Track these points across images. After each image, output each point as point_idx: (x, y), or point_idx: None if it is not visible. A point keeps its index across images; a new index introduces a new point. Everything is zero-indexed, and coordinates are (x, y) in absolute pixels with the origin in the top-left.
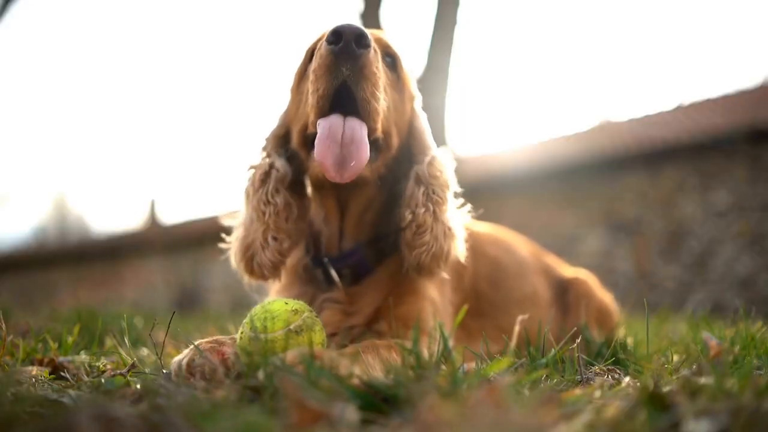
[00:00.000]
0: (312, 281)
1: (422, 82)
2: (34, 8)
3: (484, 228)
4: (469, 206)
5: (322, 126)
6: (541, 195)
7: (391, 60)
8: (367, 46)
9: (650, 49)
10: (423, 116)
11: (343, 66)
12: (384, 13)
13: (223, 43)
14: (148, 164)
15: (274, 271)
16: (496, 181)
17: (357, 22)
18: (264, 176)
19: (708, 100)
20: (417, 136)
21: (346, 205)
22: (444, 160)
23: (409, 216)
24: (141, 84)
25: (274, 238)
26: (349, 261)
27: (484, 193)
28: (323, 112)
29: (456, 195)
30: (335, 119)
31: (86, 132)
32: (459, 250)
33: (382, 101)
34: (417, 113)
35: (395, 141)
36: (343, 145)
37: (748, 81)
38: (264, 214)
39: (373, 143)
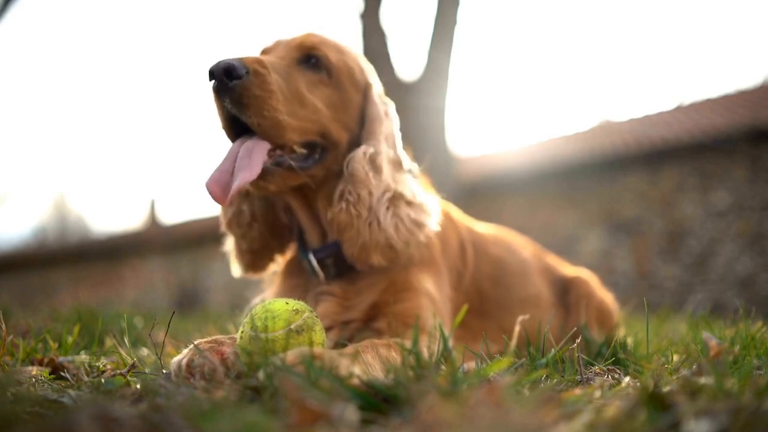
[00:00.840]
0: (306, 274)
1: (422, 83)
2: (34, 8)
3: (487, 228)
4: (429, 191)
5: (222, 156)
6: (541, 195)
7: (316, 60)
8: (238, 77)
9: (650, 49)
10: (379, 104)
11: (224, 100)
12: (384, 13)
13: (224, 43)
14: (148, 164)
15: (252, 268)
16: (496, 181)
17: (357, 23)
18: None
19: (708, 100)
20: (367, 126)
21: (314, 202)
22: (371, 152)
23: (330, 216)
24: (141, 84)
25: (238, 244)
26: (330, 252)
27: (484, 193)
28: (232, 140)
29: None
30: (233, 146)
31: (86, 132)
32: (404, 240)
33: (285, 115)
34: (370, 100)
35: (341, 135)
36: (222, 171)
37: (749, 81)
38: (224, 224)
39: (309, 146)
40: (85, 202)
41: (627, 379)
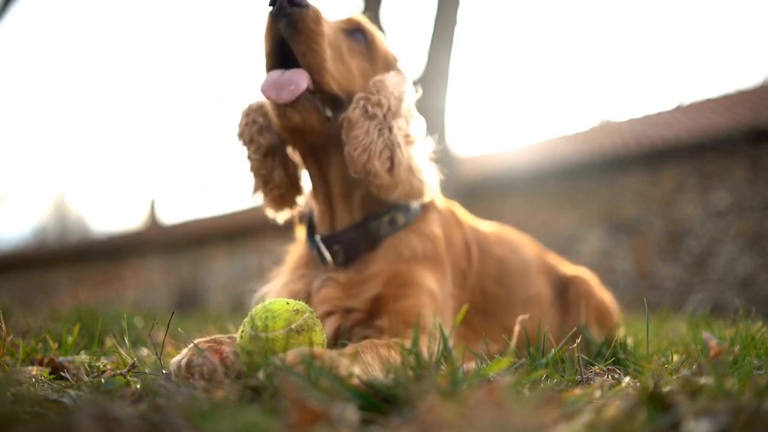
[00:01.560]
0: (313, 263)
1: (422, 83)
2: (34, 8)
3: (490, 227)
4: (428, 137)
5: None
6: (541, 195)
7: (361, 35)
8: (299, 5)
9: (650, 49)
10: (410, 95)
11: (279, 23)
12: (385, 13)
13: (224, 42)
14: (148, 164)
15: (281, 204)
16: (496, 181)
17: None
18: (251, 138)
19: (708, 100)
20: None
21: (327, 170)
22: (399, 87)
23: (342, 116)
24: (141, 83)
25: (264, 181)
26: (340, 240)
27: (484, 193)
28: (270, 69)
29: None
30: (274, 71)
31: (86, 132)
32: (404, 162)
33: (328, 56)
34: (401, 90)
35: None
36: (283, 77)
37: (748, 81)
38: (260, 174)
39: (337, 101)
40: (85, 202)
41: (627, 379)
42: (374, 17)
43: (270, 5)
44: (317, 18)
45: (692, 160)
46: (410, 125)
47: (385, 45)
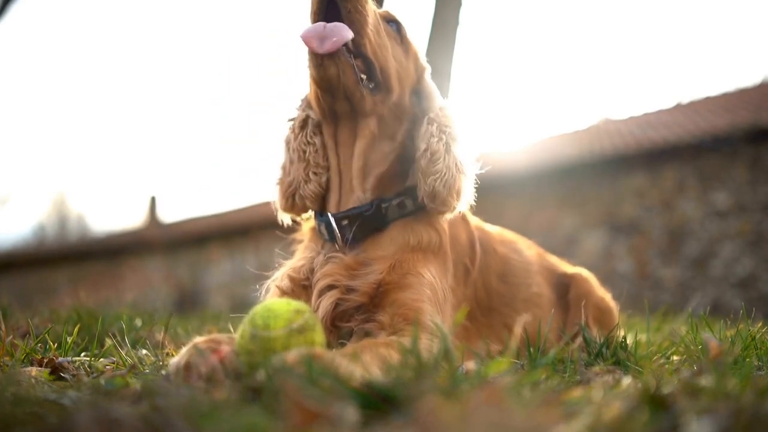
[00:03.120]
0: (320, 242)
1: None
2: (34, 8)
3: (494, 229)
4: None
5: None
6: (541, 195)
7: (395, 25)
8: None
9: (650, 48)
10: (432, 84)
11: None
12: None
13: (224, 42)
14: (148, 162)
15: (316, 200)
16: (497, 180)
17: None
18: (302, 123)
19: (708, 100)
20: (426, 95)
21: (348, 144)
22: (454, 113)
23: (423, 146)
24: (141, 82)
25: (315, 173)
26: (350, 214)
27: (484, 192)
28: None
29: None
30: (318, 23)
31: (86, 131)
32: (468, 190)
33: (370, 21)
34: (425, 81)
35: (395, 86)
36: (326, 29)
37: (749, 80)
38: (305, 152)
39: (370, 68)
40: (84, 200)
41: (627, 379)
42: None
43: None
44: None
45: (692, 160)
46: (467, 152)
47: (416, 44)
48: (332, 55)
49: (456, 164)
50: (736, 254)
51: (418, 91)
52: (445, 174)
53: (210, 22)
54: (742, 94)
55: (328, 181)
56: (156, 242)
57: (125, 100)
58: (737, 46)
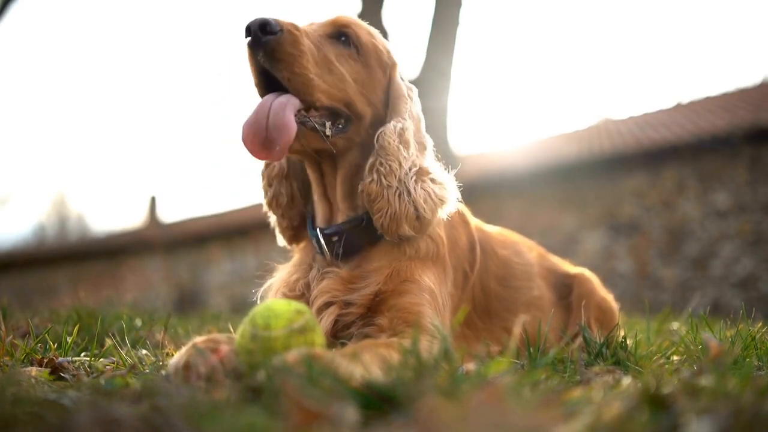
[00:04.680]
0: (315, 255)
1: (422, 84)
2: (34, 8)
3: (495, 230)
4: (448, 172)
5: (252, 109)
6: (541, 194)
7: (346, 38)
8: (272, 32)
9: (650, 47)
10: (402, 84)
11: (257, 54)
12: (387, 13)
13: (224, 41)
14: (148, 162)
15: (294, 241)
16: (496, 180)
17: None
18: (263, 172)
19: (708, 100)
20: (391, 104)
21: (331, 176)
22: (399, 126)
23: (360, 187)
24: (141, 82)
25: (279, 222)
26: (339, 230)
27: (484, 192)
28: (262, 96)
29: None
30: (264, 99)
31: (86, 130)
32: (431, 212)
33: (313, 74)
34: (394, 81)
35: (365, 110)
36: (267, 128)
37: (749, 80)
38: (265, 203)
39: (334, 113)
40: (84, 200)
41: (627, 379)
42: (376, 18)
43: (246, 36)
44: (294, 40)
45: (692, 160)
46: (423, 152)
47: (376, 42)
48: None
49: (401, 194)
50: (736, 254)
51: (387, 100)
52: (387, 210)
53: (210, 22)
54: (742, 94)
55: (312, 204)
56: (156, 242)
57: (125, 100)
58: (737, 46)
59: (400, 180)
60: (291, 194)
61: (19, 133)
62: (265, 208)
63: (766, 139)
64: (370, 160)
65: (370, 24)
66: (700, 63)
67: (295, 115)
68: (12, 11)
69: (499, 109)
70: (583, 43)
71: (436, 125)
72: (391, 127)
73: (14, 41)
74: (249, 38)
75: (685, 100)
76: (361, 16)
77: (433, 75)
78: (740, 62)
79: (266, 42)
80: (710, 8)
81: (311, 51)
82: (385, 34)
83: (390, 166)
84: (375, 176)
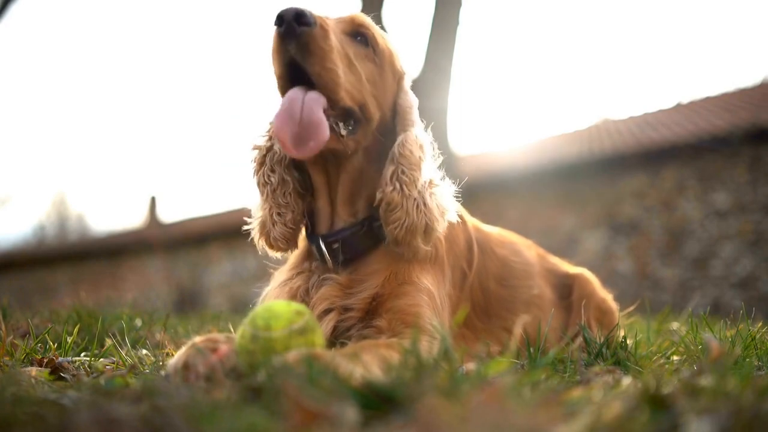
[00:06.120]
0: (313, 261)
1: (422, 83)
2: (34, 8)
3: (493, 229)
4: (452, 184)
5: (282, 101)
6: (541, 194)
7: (363, 38)
8: (307, 24)
9: (650, 48)
10: (410, 94)
11: (288, 45)
12: (387, 13)
13: (224, 41)
14: (148, 162)
15: (288, 243)
16: (496, 179)
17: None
18: (262, 158)
19: (708, 99)
20: (400, 112)
21: (335, 179)
22: (419, 137)
23: (379, 195)
24: (141, 82)
25: (279, 214)
26: (339, 237)
27: (483, 191)
28: (284, 90)
29: (438, 171)
30: (294, 92)
31: (86, 130)
32: (439, 224)
33: (341, 72)
34: (403, 89)
35: (375, 113)
36: (301, 123)
37: (749, 80)
38: (263, 193)
39: (348, 113)
40: (84, 200)
41: (627, 379)
42: (376, 17)
43: (276, 24)
44: (326, 34)
45: (692, 160)
46: (433, 165)
47: (387, 43)
48: None
49: (418, 206)
50: (736, 254)
51: (395, 107)
52: (404, 220)
53: (210, 21)
54: (742, 94)
55: (310, 210)
56: (156, 242)
57: (125, 100)
58: (737, 46)
59: (419, 191)
60: (296, 184)
61: (19, 133)
62: (264, 198)
63: (766, 139)
64: (390, 168)
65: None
66: (700, 63)
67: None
68: (12, 11)
69: (499, 109)
70: (583, 43)
71: (436, 125)
72: (413, 136)
73: (14, 41)
74: (281, 27)
75: (685, 100)
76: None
77: (434, 75)
78: (740, 62)
79: (300, 34)
80: (710, 8)
81: (338, 48)
82: (384, 33)
83: (413, 175)
84: (397, 185)
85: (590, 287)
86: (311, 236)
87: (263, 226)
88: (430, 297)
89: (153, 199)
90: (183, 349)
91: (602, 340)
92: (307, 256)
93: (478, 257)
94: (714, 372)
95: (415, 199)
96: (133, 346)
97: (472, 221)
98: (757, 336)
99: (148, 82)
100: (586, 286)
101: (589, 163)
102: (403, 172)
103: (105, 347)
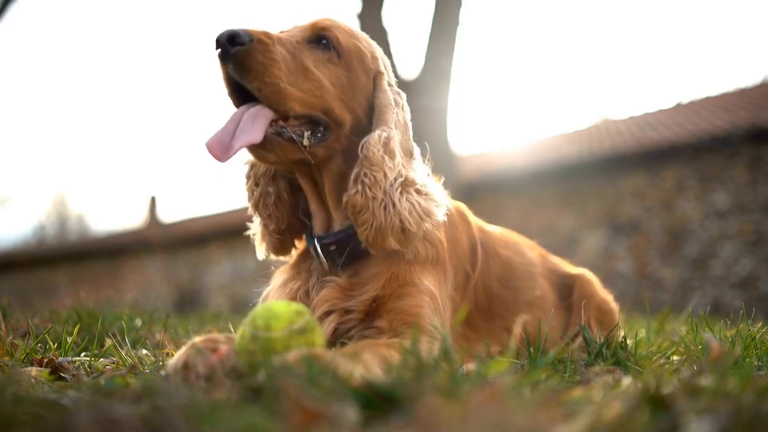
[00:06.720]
0: (313, 262)
1: (422, 84)
2: (34, 8)
3: (496, 229)
4: (438, 183)
5: (224, 121)
6: (541, 194)
7: (326, 41)
8: (241, 43)
9: (650, 48)
10: (389, 92)
11: (227, 66)
12: (386, 11)
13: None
14: (148, 162)
15: (278, 251)
16: (496, 179)
17: (357, 21)
18: (248, 172)
19: (708, 99)
20: (376, 112)
21: (321, 184)
22: (384, 136)
23: (345, 198)
24: (141, 82)
25: (265, 225)
26: (335, 239)
27: (483, 191)
28: (236, 108)
29: (408, 165)
30: (236, 111)
31: (86, 130)
32: (415, 225)
33: (285, 83)
34: (380, 88)
35: (345, 116)
36: (224, 132)
37: (749, 80)
38: (250, 206)
39: (312, 121)
40: (84, 200)
41: (627, 379)
42: (375, 17)
43: (216, 48)
44: (265, 49)
45: (692, 160)
46: (410, 161)
47: (359, 44)
48: (263, 144)
49: (386, 206)
50: (736, 254)
51: (372, 107)
52: (372, 222)
53: (209, 21)
54: (742, 94)
55: (306, 214)
56: (156, 242)
57: (125, 100)
58: (737, 46)
59: (385, 191)
60: (278, 194)
61: (19, 133)
62: (251, 210)
63: (766, 139)
64: (355, 171)
65: (370, 24)
66: (700, 63)
67: (271, 126)
68: (12, 11)
69: (499, 109)
70: (583, 43)
71: (436, 125)
72: (376, 136)
73: (14, 41)
74: (219, 50)
75: (685, 100)
76: (361, 16)
77: (434, 75)
78: (740, 62)
79: (235, 53)
80: (710, 8)
81: (284, 59)
82: (385, 34)
83: (375, 176)
84: (360, 187)
85: (591, 288)
86: (309, 238)
87: (260, 235)
88: (432, 298)
89: (153, 199)
90: (183, 349)
91: (602, 340)
92: (307, 256)
93: (481, 258)
94: (714, 372)
95: (381, 200)
96: (133, 346)
97: (476, 221)
98: (757, 336)
99: (148, 82)
100: (587, 286)
101: (589, 163)
102: (365, 174)
103: (105, 347)
